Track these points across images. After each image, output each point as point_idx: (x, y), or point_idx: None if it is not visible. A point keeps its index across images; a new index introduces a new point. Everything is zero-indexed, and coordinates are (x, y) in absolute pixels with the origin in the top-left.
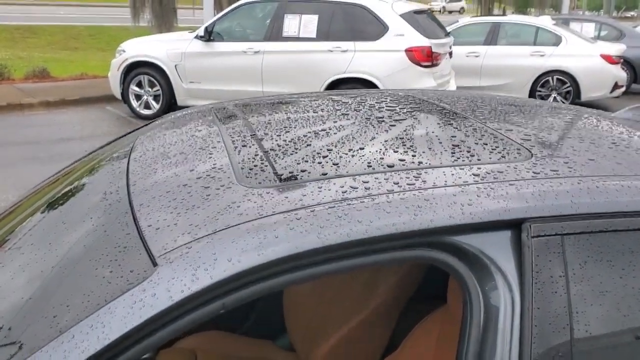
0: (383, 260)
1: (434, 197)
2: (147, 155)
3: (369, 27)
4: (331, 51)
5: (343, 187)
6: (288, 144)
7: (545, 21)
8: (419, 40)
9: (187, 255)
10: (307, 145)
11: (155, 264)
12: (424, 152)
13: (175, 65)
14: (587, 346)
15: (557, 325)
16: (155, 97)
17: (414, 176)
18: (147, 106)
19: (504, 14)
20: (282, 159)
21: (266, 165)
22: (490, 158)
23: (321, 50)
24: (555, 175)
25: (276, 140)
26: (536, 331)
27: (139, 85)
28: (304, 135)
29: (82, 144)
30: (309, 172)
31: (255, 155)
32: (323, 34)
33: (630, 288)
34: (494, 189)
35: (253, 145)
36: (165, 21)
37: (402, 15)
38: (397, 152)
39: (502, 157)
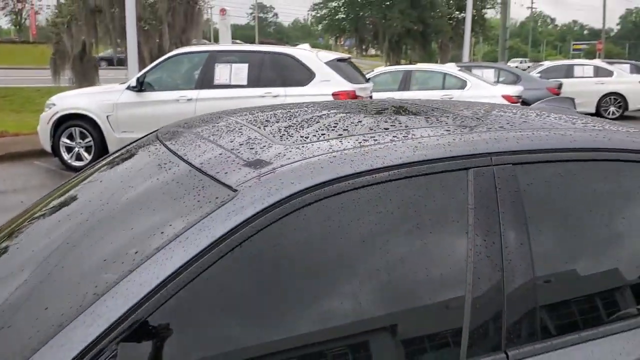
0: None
1: (422, 142)
2: (182, 139)
3: (297, 74)
4: (263, 96)
5: (358, 139)
6: (297, 125)
7: (451, 68)
8: (344, 85)
9: (259, 182)
10: (309, 126)
11: (235, 190)
12: (404, 121)
13: (107, 116)
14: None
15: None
16: (87, 149)
17: (403, 134)
18: (79, 158)
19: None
20: (299, 131)
21: (291, 134)
22: (453, 123)
23: (253, 96)
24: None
25: (286, 124)
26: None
27: (70, 137)
28: (301, 122)
29: (17, 195)
30: (328, 135)
31: (278, 130)
32: (254, 81)
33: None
34: (460, 137)
35: (272, 125)
36: (86, 78)
37: (327, 63)
38: (385, 122)
39: (461, 123)
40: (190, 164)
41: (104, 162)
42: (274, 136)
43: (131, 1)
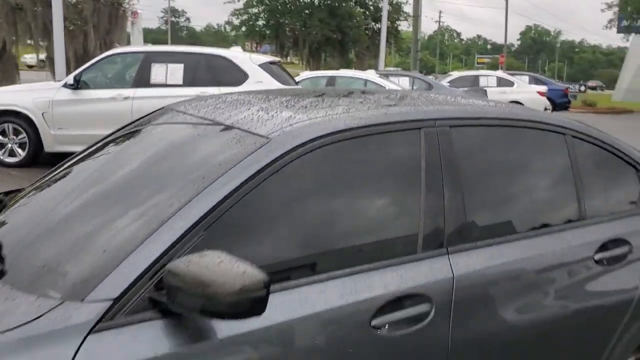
0: None
1: (389, 110)
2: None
3: (231, 75)
4: (199, 96)
5: (344, 108)
6: (293, 100)
7: (371, 74)
8: (276, 86)
9: (283, 132)
10: (303, 100)
11: (268, 138)
12: (370, 98)
13: (43, 113)
14: None
15: None
16: (21, 145)
17: (374, 105)
18: (12, 154)
19: None
20: (299, 103)
21: (293, 105)
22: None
23: (189, 95)
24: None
25: (284, 99)
26: None
27: (2, 133)
28: (294, 98)
29: None
30: (321, 106)
31: (281, 103)
32: (189, 81)
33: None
34: (413, 108)
35: (273, 100)
36: (6, 77)
37: (260, 65)
38: (357, 98)
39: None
40: (224, 124)
41: (130, 129)
42: (280, 105)
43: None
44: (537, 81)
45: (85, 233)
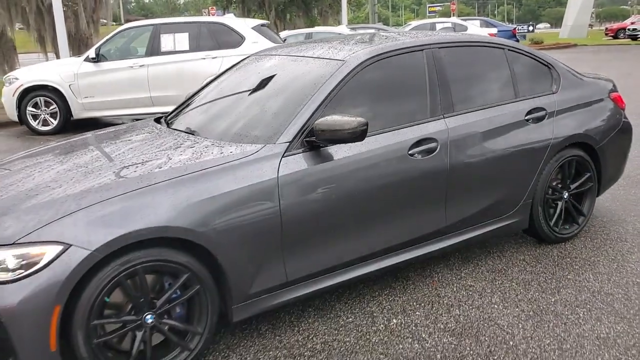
0: None
1: (400, 40)
2: (287, 50)
3: (230, 39)
4: (204, 59)
5: (379, 40)
6: (340, 43)
7: (343, 29)
8: (268, 45)
9: (351, 56)
10: (348, 43)
11: (343, 60)
12: (380, 36)
13: (70, 85)
14: None
15: None
16: (52, 115)
17: (392, 41)
18: (45, 123)
19: None
20: (346, 45)
21: (345, 45)
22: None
23: (196, 59)
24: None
25: (333, 44)
26: None
27: (35, 106)
28: (341, 42)
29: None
30: (365, 43)
31: (333, 44)
32: (195, 46)
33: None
34: (415, 39)
35: (327, 43)
36: (6, 60)
37: (253, 28)
38: (377, 37)
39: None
40: (310, 57)
41: (247, 63)
42: (340, 44)
43: None
44: (487, 24)
45: (263, 113)
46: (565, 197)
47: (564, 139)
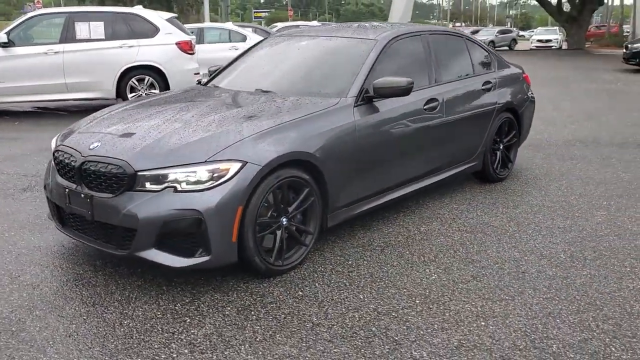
0: None
1: (408, 25)
2: (322, 31)
3: (145, 29)
4: (121, 47)
5: (399, 26)
6: (367, 27)
7: (230, 25)
8: (183, 37)
9: (382, 35)
10: (376, 27)
11: (375, 39)
12: (384, 25)
13: None
14: None
15: None
16: None
17: (397, 26)
18: None
19: None
20: (373, 30)
21: (372, 29)
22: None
23: (113, 47)
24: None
25: (361, 26)
26: None
27: None
28: (363, 25)
29: None
30: (386, 29)
31: (360, 27)
32: (110, 35)
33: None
34: (420, 28)
35: (355, 25)
36: None
37: (167, 20)
38: (399, 25)
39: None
40: (343, 37)
41: (276, 42)
42: (362, 28)
43: None
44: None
45: (326, 77)
46: (501, 147)
47: (503, 105)
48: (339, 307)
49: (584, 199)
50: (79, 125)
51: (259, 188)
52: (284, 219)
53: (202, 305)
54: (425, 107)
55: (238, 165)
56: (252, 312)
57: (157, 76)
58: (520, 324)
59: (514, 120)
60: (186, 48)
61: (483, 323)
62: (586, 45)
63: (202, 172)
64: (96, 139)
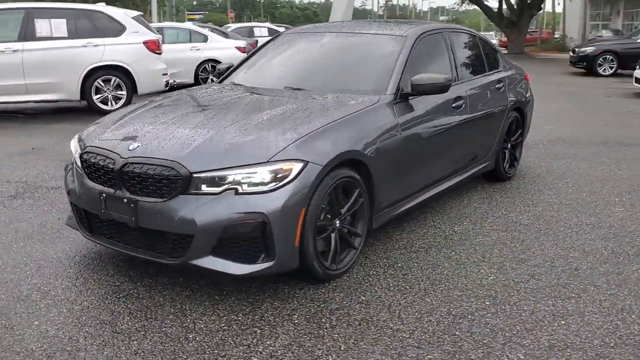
0: None
1: (425, 25)
2: (344, 27)
3: (110, 27)
4: (85, 46)
5: (422, 25)
6: (389, 23)
7: (190, 25)
8: (151, 35)
9: (410, 31)
10: (398, 23)
11: (404, 35)
12: (402, 23)
13: None
14: None
15: None
16: None
17: (418, 24)
18: None
19: None
20: (396, 25)
21: (397, 25)
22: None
23: (77, 46)
24: None
25: (382, 23)
26: None
27: None
28: (388, 22)
29: None
30: (411, 25)
31: (384, 24)
32: (73, 33)
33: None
34: (436, 25)
35: (380, 22)
36: None
37: (133, 18)
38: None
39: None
40: (367, 33)
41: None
42: (387, 24)
43: None
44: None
45: (358, 74)
46: (508, 146)
47: (513, 103)
48: (410, 311)
49: (595, 196)
50: (104, 126)
51: (318, 189)
52: (337, 221)
53: (265, 314)
54: (453, 105)
55: (300, 165)
56: (323, 320)
57: (124, 77)
58: (599, 322)
59: (520, 119)
60: (154, 48)
61: (563, 322)
62: (525, 50)
63: (264, 173)
64: (135, 139)
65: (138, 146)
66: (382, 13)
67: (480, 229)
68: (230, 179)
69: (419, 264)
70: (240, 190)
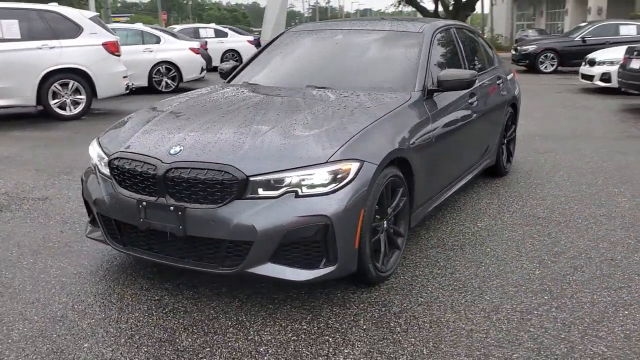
0: None
1: (434, 20)
2: (349, 24)
3: (66, 28)
4: (40, 48)
5: (436, 21)
6: (401, 20)
7: (141, 26)
8: (109, 37)
9: (426, 28)
10: (413, 21)
11: (421, 32)
12: (419, 21)
13: None
14: None
15: None
16: None
17: (430, 22)
18: None
19: None
20: (407, 22)
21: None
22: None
23: (31, 49)
24: None
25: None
26: None
27: None
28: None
29: None
30: (425, 22)
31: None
32: (27, 35)
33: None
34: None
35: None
36: None
37: (90, 19)
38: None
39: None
40: (381, 30)
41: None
42: (398, 22)
43: None
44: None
45: (381, 71)
46: (505, 142)
47: (510, 99)
48: (475, 310)
49: (594, 188)
50: (129, 130)
51: (372, 189)
52: (385, 222)
53: (329, 321)
54: (469, 101)
55: (357, 164)
56: (392, 324)
57: (83, 80)
58: None
59: (514, 114)
60: (113, 49)
61: (627, 312)
62: None
63: (322, 174)
64: (173, 143)
65: (180, 150)
66: (310, 15)
67: (503, 224)
68: (287, 181)
69: (461, 261)
70: (300, 193)
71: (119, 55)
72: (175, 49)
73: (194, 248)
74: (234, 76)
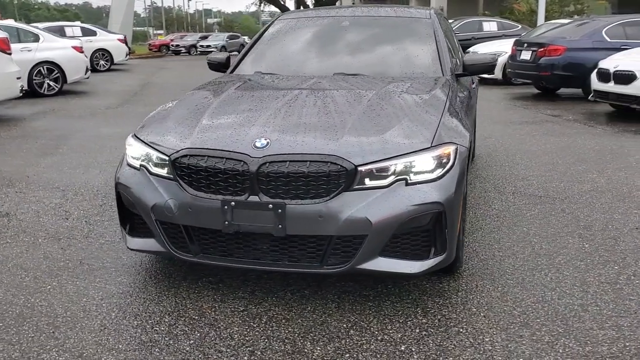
0: None
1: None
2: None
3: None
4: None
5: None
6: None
7: (14, 23)
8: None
9: (429, 15)
10: None
11: (430, 18)
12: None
13: None
14: None
15: None
16: None
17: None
18: None
19: None
20: None
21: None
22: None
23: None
24: None
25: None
26: None
27: None
28: None
29: None
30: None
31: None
32: None
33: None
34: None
35: None
36: None
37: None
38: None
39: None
40: (390, 16)
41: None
42: (383, 7)
43: None
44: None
45: (403, 57)
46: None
47: (474, 85)
48: (567, 285)
49: (562, 167)
50: (186, 126)
51: (466, 172)
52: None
53: (443, 312)
54: (474, 86)
55: (454, 147)
56: (503, 315)
57: None
58: None
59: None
60: (4, 47)
61: None
62: None
63: (427, 159)
64: (254, 136)
65: (268, 142)
66: (147, 15)
67: (514, 203)
68: (392, 169)
69: (513, 243)
70: (410, 180)
71: (9, 54)
72: (57, 47)
73: (291, 249)
74: (235, 67)
